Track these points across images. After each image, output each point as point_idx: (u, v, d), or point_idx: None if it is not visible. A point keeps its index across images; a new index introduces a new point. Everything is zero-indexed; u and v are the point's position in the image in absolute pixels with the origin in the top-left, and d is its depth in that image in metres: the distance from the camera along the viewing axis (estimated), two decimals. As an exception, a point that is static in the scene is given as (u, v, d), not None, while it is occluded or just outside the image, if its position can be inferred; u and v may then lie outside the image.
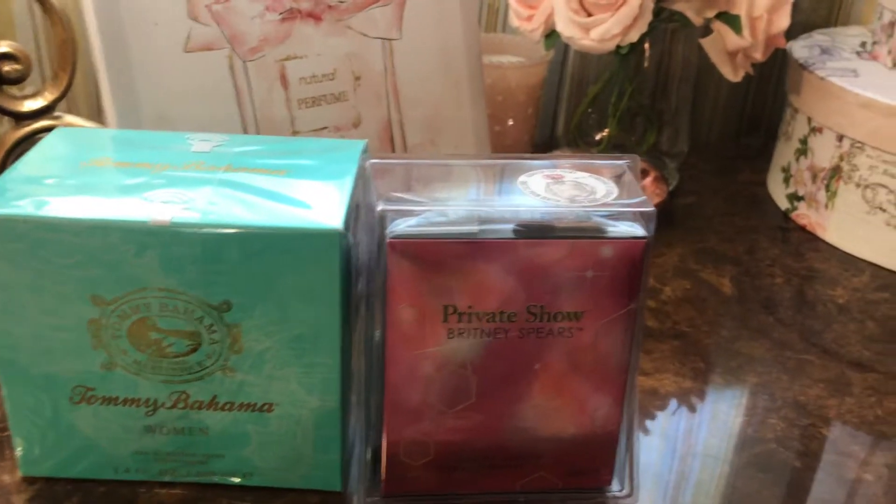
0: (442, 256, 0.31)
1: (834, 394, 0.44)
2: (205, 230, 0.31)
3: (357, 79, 0.50)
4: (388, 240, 0.31)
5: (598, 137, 0.62)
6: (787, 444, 0.40)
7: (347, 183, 0.34)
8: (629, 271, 0.33)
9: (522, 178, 0.34)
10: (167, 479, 0.36)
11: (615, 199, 0.33)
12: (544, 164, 0.35)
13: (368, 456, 0.35)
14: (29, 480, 0.36)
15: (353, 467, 0.37)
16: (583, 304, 0.33)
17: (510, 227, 0.32)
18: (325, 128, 0.51)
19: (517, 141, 0.62)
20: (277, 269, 0.31)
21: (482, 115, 0.56)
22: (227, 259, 0.31)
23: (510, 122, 0.61)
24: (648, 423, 0.41)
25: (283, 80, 0.48)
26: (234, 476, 0.36)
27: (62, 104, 0.52)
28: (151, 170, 0.34)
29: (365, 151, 0.38)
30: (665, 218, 0.60)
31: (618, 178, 0.34)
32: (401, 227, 0.31)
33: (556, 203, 0.32)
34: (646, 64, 0.60)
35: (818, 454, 0.40)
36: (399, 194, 0.32)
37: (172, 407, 0.34)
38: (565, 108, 0.66)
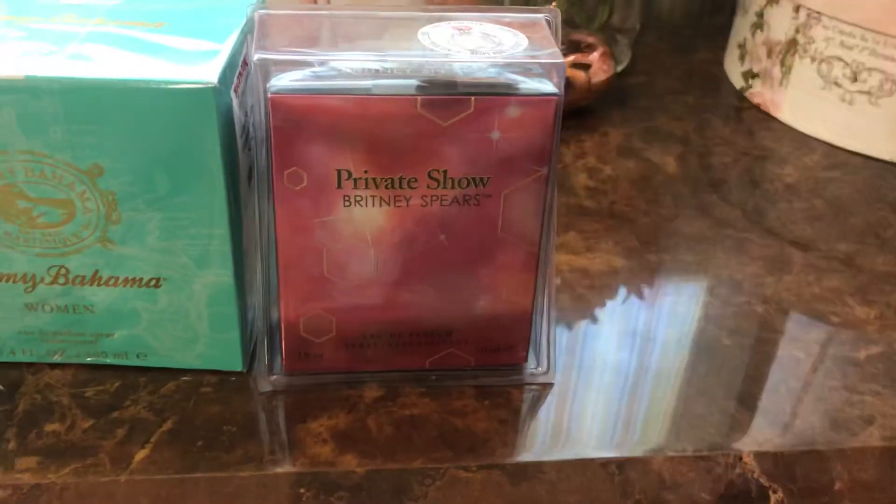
0: (331, 114, 0.29)
1: (772, 272, 0.42)
2: (65, 85, 0.28)
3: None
4: (268, 95, 0.28)
5: (544, 11, 0.58)
6: (718, 322, 0.39)
7: (233, 36, 0.31)
8: (539, 133, 0.30)
9: (426, 28, 0.31)
10: (57, 360, 0.34)
11: (523, 52, 0.30)
12: (453, 15, 0.32)
13: (268, 333, 0.33)
14: None
15: (259, 347, 0.35)
16: (489, 169, 0.30)
17: (407, 82, 0.29)
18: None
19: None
20: (149, 130, 0.29)
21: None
22: (93, 118, 0.28)
23: (451, -6, 0.57)
24: (572, 301, 0.39)
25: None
26: (128, 356, 0.34)
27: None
28: (14, 21, 0.31)
29: (262, 1, 0.34)
30: (613, 96, 0.57)
31: (533, 32, 0.31)
32: (284, 81, 0.28)
33: (457, 55, 0.29)
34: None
35: (749, 332, 0.38)
36: (287, 47, 0.29)
37: (52, 283, 0.32)
38: (512, -19, 0.62)
